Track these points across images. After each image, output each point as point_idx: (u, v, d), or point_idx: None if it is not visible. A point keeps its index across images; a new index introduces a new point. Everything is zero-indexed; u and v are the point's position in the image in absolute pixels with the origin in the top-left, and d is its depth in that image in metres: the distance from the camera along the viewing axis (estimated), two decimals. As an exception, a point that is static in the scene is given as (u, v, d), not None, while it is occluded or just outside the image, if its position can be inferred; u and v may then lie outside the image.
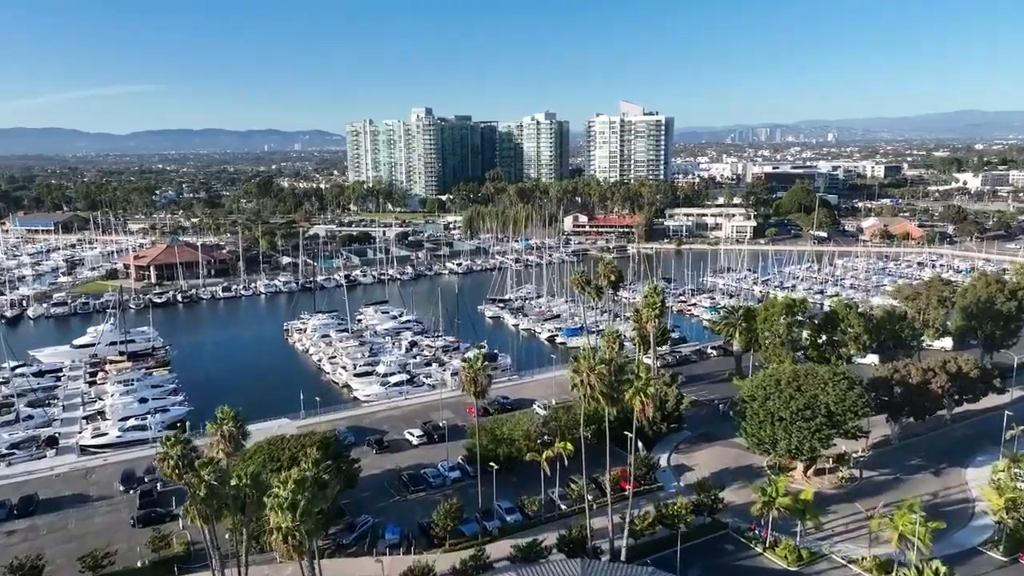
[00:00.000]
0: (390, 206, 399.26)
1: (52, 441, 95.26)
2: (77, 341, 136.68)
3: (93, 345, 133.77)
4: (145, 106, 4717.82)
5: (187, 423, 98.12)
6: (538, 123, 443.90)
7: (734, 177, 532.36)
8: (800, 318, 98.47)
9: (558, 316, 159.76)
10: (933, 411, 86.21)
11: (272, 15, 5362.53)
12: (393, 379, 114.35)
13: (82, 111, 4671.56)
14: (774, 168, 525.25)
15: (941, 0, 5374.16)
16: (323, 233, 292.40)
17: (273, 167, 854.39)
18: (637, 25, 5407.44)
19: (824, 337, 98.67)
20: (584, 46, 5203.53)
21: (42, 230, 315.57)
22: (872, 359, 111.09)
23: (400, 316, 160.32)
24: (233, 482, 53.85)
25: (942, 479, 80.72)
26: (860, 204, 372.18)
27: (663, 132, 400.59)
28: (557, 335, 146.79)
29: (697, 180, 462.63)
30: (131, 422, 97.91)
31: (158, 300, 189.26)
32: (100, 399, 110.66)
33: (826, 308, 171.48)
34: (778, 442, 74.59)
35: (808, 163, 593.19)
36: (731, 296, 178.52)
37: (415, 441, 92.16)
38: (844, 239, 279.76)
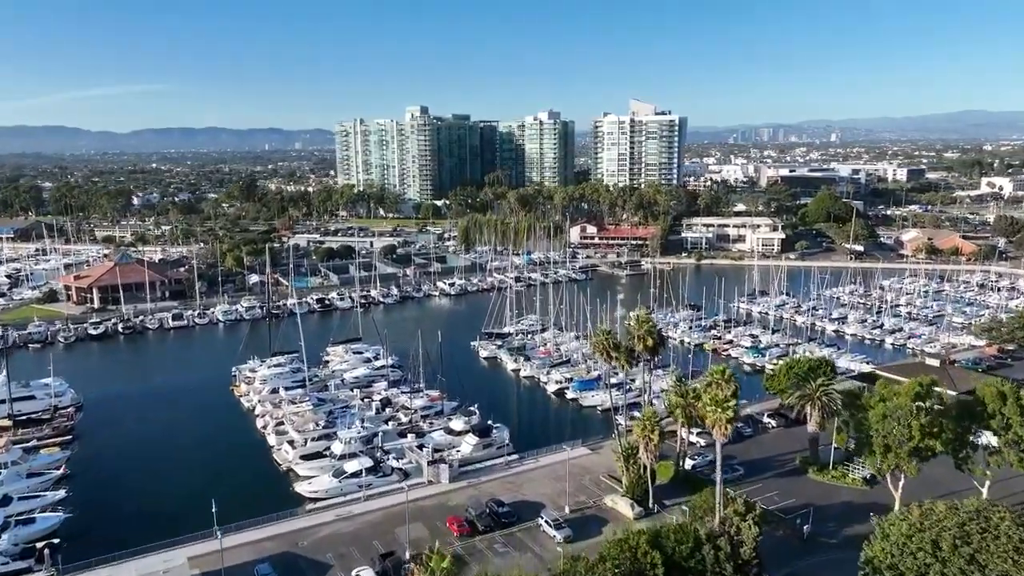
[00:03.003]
0: (382, 211, 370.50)
1: None
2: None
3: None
4: (147, 105, 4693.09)
5: (51, 549, 69.25)
6: (541, 123, 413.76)
7: (747, 180, 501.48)
8: (934, 407, 68.46)
9: (568, 361, 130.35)
10: None
11: (274, 15, 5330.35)
12: (351, 466, 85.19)
13: (85, 110, 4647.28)
14: (790, 171, 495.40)
15: (943, 0, 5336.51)
16: (304, 243, 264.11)
17: (270, 166, 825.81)
18: (638, 25, 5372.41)
19: (959, 430, 68.92)
20: (585, 46, 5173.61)
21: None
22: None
23: (375, 359, 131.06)
24: None
25: None
26: (890, 212, 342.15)
27: (676, 133, 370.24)
28: (567, 388, 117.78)
29: (710, 183, 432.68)
30: (-35, 548, 68.85)
31: (94, 331, 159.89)
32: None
33: (887, 343, 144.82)
34: (948, 655, 45.58)
35: (821, 165, 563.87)
36: (774, 331, 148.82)
37: (367, 591, 63.34)
38: (882, 253, 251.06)
